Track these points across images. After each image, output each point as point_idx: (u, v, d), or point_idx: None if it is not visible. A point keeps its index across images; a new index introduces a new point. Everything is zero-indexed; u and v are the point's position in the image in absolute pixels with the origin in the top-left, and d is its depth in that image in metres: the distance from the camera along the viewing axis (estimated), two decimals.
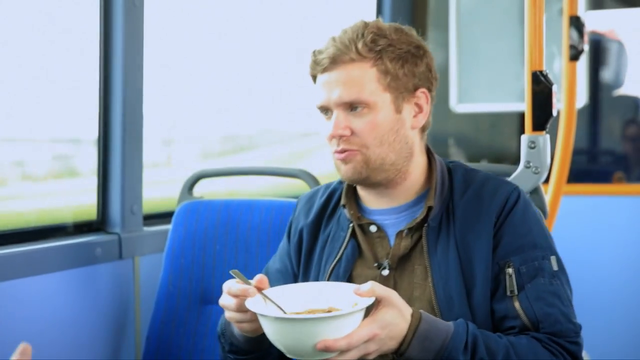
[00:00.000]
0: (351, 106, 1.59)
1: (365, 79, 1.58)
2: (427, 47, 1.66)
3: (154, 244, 2.56)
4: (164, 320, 2.38)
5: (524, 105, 2.11)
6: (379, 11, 3.74)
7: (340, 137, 1.60)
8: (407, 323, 1.43)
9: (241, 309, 1.47)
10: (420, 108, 1.65)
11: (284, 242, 1.82)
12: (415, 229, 1.63)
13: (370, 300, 1.39)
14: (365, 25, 1.61)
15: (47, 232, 2.38)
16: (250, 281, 1.46)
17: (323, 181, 2.24)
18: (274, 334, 1.39)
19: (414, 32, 1.66)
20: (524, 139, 2.08)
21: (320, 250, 1.72)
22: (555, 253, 1.61)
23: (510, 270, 1.56)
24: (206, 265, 2.39)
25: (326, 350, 1.34)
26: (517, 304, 1.54)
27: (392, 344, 1.42)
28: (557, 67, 3.44)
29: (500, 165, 2.14)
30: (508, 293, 1.56)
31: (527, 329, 1.54)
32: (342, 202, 1.70)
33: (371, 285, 1.40)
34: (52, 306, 2.25)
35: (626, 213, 3.66)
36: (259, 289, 1.46)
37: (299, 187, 2.71)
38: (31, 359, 1.22)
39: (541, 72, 2.07)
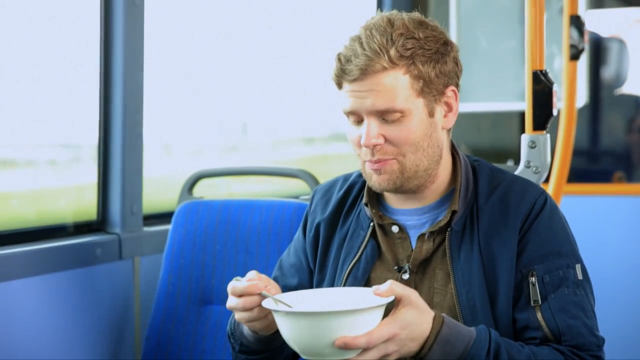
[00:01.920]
0: (384, 114, 1.52)
1: (398, 86, 1.51)
2: (450, 39, 1.59)
3: (154, 244, 2.56)
4: (164, 320, 2.37)
5: (524, 105, 2.10)
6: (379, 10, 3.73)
7: (375, 146, 1.53)
8: (429, 325, 1.39)
9: (247, 307, 1.44)
10: (450, 107, 1.59)
11: (299, 236, 1.75)
12: (437, 233, 1.58)
13: (390, 299, 1.36)
14: (391, 24, 1.53)
15: (46, 233, 2.37)
16: (268, 293, 1.43)
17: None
18: (290, 332, 1.35)
19: (437, 25, 1.58)
20: (524, 138, 2.07)
21: (338, 248, 1.66)
22: (580, 261, 1.56)
23: (533, 279, 1.52)
24: (206, 266, 2.38)
25: (345, 347, 1.31)
26: (539, 315, 1.50)
27: (412, 346, 1.38)
28: (557, 67, 3.44)
29: (500, 165, 2.12)
30: (531, 303, 1.51)
31: (548, 340, 1.50)
32: (364, 200, 1.64)
33: (390, 284, 1.38)
34: (52, 307, 2.24)
35: (626, 213, 3.66)
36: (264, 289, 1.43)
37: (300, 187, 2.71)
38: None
39: (541, 71, 2.07)
